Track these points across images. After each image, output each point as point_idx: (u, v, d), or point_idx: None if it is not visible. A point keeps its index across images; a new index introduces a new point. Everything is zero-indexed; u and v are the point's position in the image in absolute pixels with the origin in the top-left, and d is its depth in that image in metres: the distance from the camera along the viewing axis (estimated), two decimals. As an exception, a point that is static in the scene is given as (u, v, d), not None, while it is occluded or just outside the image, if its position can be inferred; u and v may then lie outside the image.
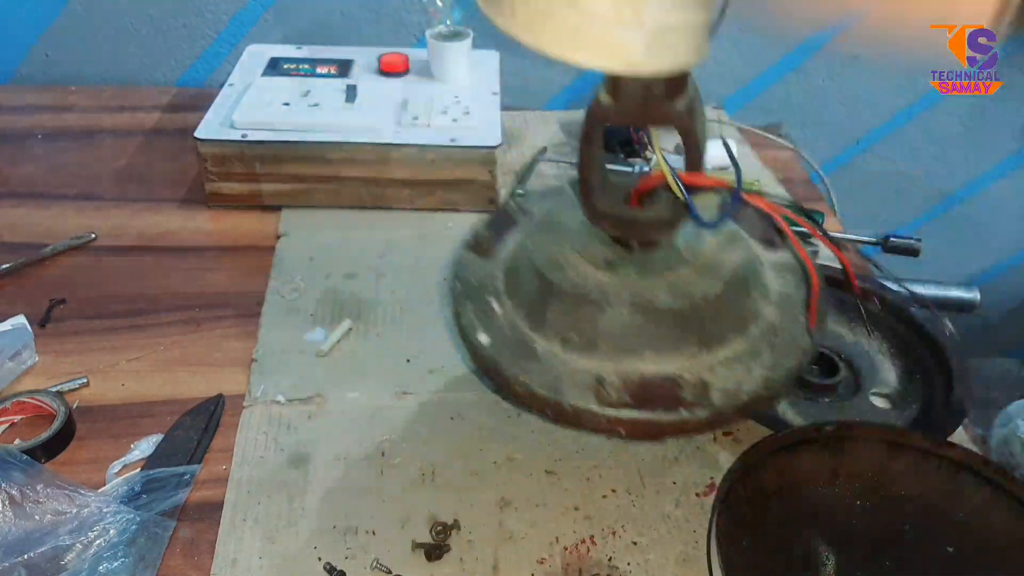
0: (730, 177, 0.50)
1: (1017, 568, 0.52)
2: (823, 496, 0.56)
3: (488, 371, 0.54)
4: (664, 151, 0.50)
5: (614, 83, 0.47)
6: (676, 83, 0.46)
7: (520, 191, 0.89)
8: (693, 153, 0.49)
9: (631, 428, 0.50)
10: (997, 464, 0.55)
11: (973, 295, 0.75)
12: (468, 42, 0.93)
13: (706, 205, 0.51)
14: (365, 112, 0.86)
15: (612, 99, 0.48)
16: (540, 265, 0.55)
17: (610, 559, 0.54)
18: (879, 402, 0.66)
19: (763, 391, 0.50)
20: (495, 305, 0.56)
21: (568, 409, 0.50)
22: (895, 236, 0.77)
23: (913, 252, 0.77)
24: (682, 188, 0.49)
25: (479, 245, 0.61)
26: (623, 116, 0.49)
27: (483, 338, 0.54)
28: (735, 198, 0.49)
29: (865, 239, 0.80)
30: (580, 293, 0.53)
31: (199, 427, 0.61)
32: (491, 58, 1.00)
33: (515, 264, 0.58)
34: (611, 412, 0.49)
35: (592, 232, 0.56)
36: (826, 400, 0.65)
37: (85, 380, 0.65)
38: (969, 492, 0.55)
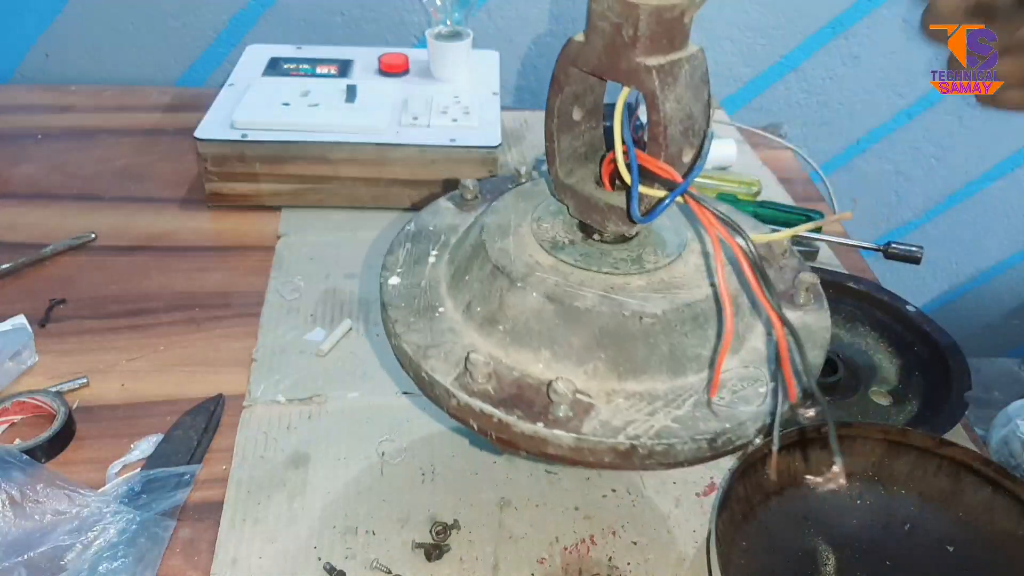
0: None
1: (1018, 567, 0.52)
2: (823, 495, 0.56)
3: (382, 315, 0.50)
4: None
5: (589, 17, 0.42)
6: (658, 32, 0.40)
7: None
8: (654, 130, 0.41)
9: (481, 423, 0.43)
10: (997, 463, 0.55)
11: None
12: (468, 42, 0.93)
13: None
14: (365, 112, 0.86)
15: (584, 37, 0.42)
16: (486, 225, 0.50)
17: (610, 559, 0.54)
18: (879, 400, 0.66)
19: (652, 442, 0.41)
20: (432, 255, 0.52)
21: (425, 378, 0.45)
22: (896, 243, 0.77)
23: (914, 260, 0.77)
24: (633, 167, 0.42)
25: (461, 197, 0.57)
26: (588, 59, 0.42)
27: (393, 280, 0.50)
28: (674, 194, 0.41)
29: (866, 244, 0.80)
30: (501, 264, 0.47)
31: (199, 427, 0.61)
32: (491, 58, 1.00)
33: (476, 222, 0.53)
34: (463, 397, 0.43)
35: (562, 208, 0.50)
36: (826, 398, 0.65)
37: (85, 380, 0.65)
38: (969, 491, 0.55)
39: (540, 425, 0.42)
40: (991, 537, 0.54)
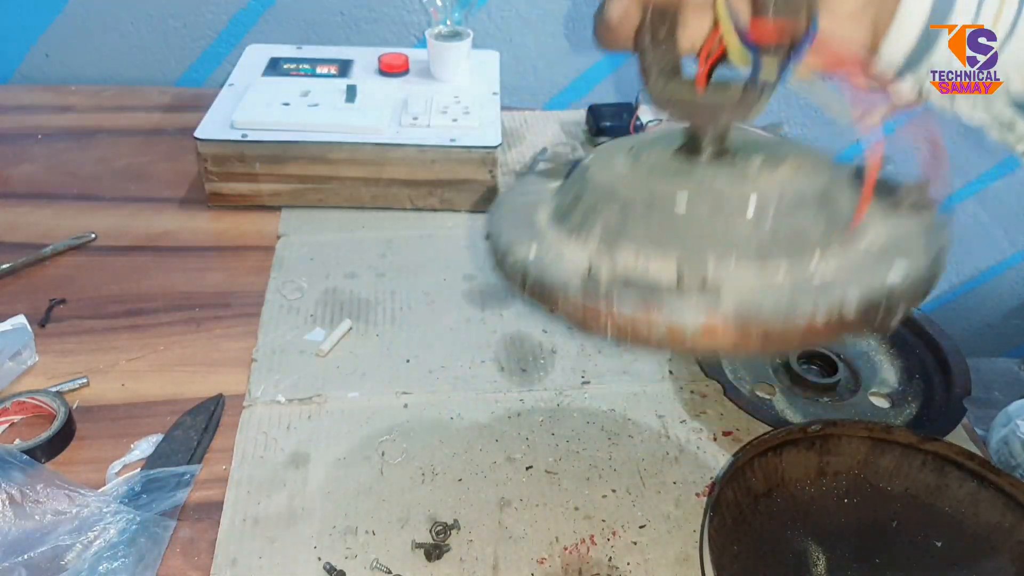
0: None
1: (1004, 559, 0.53)
2: (811, 495, 0.57)
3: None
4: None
5: None
6: None
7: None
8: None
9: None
10: (981, 457, 0.55)
11: None
12: (468, 42, 0.93)
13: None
14: (365, 112, 0.86)
15: None
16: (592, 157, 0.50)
17: (610, 559, 0.54)
18: (878, 402, 0.66)
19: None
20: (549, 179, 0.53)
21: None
22: None
23: None
24: (747, 43, 0.42)
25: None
26: None
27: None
28: (803, 42, 0.41)
29: None
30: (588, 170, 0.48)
31: (199, 427, 0.61)
32: (491, 58, 1.00)
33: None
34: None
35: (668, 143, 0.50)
36: (825, 400, 0.65)
37: (85, 380, 0.65)
38: (954, 485, 0.55)
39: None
40: (977, 530, 0.54)
